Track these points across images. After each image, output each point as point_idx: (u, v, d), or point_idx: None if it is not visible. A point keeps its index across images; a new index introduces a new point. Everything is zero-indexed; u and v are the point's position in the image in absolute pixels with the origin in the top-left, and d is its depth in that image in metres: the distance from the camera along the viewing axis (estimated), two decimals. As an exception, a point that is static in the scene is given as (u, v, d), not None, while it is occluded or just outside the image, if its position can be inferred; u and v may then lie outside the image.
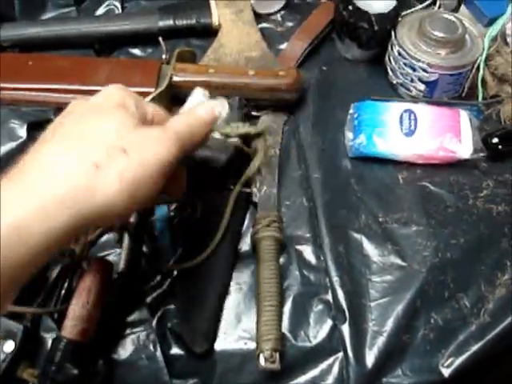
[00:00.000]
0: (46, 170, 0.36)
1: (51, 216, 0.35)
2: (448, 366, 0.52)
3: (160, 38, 0.70)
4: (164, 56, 0.69)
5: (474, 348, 0.52)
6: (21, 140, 0.62)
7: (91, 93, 0.63)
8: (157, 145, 0.40)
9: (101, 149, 0.38)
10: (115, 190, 0.37)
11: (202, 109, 0.46)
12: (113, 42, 0.73)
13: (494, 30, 0.66)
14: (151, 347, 0.53)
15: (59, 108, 0.62)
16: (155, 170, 0.39)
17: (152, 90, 0.63)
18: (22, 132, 0.62)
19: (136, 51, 0.73)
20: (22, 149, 0.61)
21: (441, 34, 0.64)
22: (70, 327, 0.50)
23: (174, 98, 0.65)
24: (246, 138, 0.60)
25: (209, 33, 0.73)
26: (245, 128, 0.59)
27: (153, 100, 0.62)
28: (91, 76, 0.65)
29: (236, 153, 0.58)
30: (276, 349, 0.49)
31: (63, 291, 0.54)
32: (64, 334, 0.50)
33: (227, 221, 0.58)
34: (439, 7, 0.72)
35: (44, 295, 0.54)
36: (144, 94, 0.62)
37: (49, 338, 0.53)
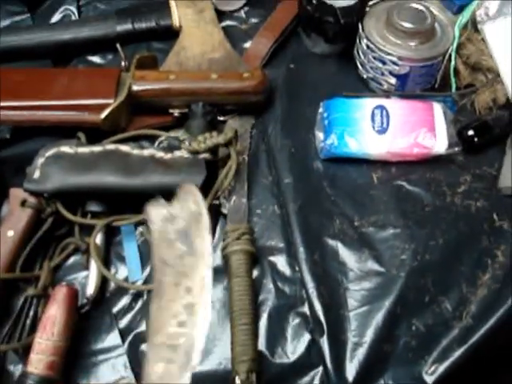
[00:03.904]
0: None
1: None
2: (432, 374, 0.50)
3: (117, 45, 0.67)
4: (123, 63, 0.65)
5: (458, 353, 0.51)
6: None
7: (48, 108, 0.61)
8: None
9: None
10: None
11: None
12: (70, 51, 0.70)
13: (464, 17, 0.64)
14: (123, 372, 0.51)
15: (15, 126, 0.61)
16: None
17: (111, 101, 0.60)
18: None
19: (95, 58, 0.70)
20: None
21: (409, 25, 0.61)
22: (36, 361, 0.48)
23: (135, 108, 0.62)
24: (214, 148, 0.57)
25: (170, 34, 0.70)
26: (213, 139, 0.57)
27: (112, 111, 0.59)
28: (48, 90, 0.62)
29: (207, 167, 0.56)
30: (252, 370, 0.48)
31: (28, 322, 0.52)
32: (30, 369, 0.48)
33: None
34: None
35: (9, 327, 0.52)
36: (103, 106, 0.60)
37: (16, 371, 0.51)
